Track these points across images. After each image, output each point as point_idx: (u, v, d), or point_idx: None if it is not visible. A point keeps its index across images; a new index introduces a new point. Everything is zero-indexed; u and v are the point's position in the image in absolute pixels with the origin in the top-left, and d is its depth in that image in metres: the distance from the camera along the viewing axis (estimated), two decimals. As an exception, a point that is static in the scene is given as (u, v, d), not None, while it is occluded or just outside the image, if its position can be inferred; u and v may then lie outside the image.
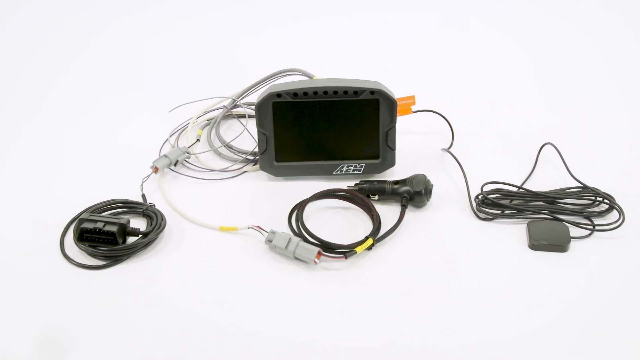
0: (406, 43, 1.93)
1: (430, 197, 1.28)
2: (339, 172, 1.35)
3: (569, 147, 1.39)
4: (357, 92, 1.27)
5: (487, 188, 1.27)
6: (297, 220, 1.22)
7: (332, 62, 1.82)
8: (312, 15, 2.07)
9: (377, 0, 2.11)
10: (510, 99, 1.65)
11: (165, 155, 1.37)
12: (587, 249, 1.17)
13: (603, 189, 1.26)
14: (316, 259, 1.14)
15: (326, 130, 1.31)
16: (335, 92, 1.27)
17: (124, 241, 1.18)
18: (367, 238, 1.17)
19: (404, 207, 1.25)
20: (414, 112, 1.39)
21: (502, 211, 1.25)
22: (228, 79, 1.70)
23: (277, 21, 2.05)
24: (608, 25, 1.96)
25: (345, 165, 1.34)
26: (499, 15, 2.02)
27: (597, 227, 1.20)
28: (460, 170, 1.33)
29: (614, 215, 1.23)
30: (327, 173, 1.35)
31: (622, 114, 1.59)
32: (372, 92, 1.27)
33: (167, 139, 1.48)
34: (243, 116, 1.56)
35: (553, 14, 2.01)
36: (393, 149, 1.33)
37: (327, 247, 1.16)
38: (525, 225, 1.21)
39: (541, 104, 1.63)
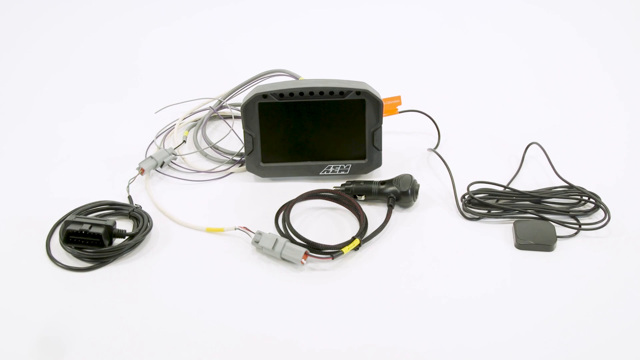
0: (394, 43, 1.93)
1: (416, 197, 1.28)
2: (325, 173, 1.35)
3: (555, 146, 1.39)
4: (342, 92, 1.27)
5: (473, 188, 1.28)
6: (283, 221, 1.22)
7: (320, 62, 1.82)
8: (298, 16, 2.06)
9: (364, 0, 2.11)
10: (496, 98, 1.66)
11: (151, 157, 1.36)
12: (573, 248, 1.18)
13: (589, 188, 1.26)
14: (303, 260, 1.14)
15: (312, 130, 1.31)
16: (321, 93, 1.27)
17: (111, 243, 1.18)
18: (353, 238, 1.17)
19: (390, 208, 1.25)
20: (400, 112, 1.39)
21: (489, 211, 1.25)
22: (215, 80, 1.70)
23: (264, 21, 2.04)
24: (600, 24, 1.96)
25: (332, 165, 1.34)
26: (488, 15, 2.02)
27: (583, 226, 1.20)
28: (446, 170, 1.34)
29: (599, 214, 1.23)
30: (313, 174, 1.35)
31: (611, 113, 1.60)
32: (358, 92, 1.27)
33: (153, 141, 1.48)
34: (229, 117, 1.56)
35: (545, 14, 2.01)
36: (379, 149, 1.33)
37: (314, 248, 1.16)
38: (512, 225, 1.22)
39: (528, 103, 1.63)
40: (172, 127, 1.51)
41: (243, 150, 1.36)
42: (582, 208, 1.25)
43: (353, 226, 1.24)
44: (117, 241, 1.19)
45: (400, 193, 1.26)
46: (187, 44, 1.93)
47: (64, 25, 2.00)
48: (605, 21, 1.96)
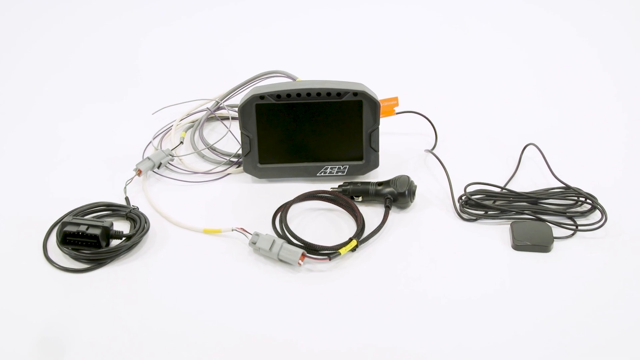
0: (393, 43, 1.92)
1: (413, 198, 1.28)
2: (322, 174, 1.35)
3: (553, 147, 1.39)
4: (340, 93, 1.27)
5: (470, 189, 1.28)
6: (281, 222, 1.22)
7: (319, 62, 1.82)
8: (298, 16, 2.06)
9: (361, 1, 2.11)
10: (494, 99, 1.65)
11: (148, 158, 1.37)
12: (570, 249, 1.18)
13: (586, 189, 1.26)
14: (300, 261, 1.14)
15: (310, 132, 1.32)
16: (318, 94, 1.27)
17: (108, 244, 1.18)
18: (351, 239, 1.17)
19: (387, 209, 1.25)
20: (397, 113, 1.39)
21: (486, 212, 1.25)
22: (214, 80, 1.69)
23: (264, 21, 2.04)
24: (600, 24, 1.96)
25: (329, 166, 1.34)
26: (488, 15, 2.02)
27: (579, 227, 1.20)
28: (443, 171, 1.34)
29: (596, 215, 1.23)
30: (310, 175, 1.35)
31: (609, 113, 1.59)
32: (355, 93, 1.27)
33: (150, 142, 1.48)
34: (226, 118, 1.56)
35: (545, 14, 2.01)
36: (376, 150, 1.33)
37: (311, 249, 1.16)
38: (509, 226, 1.22)
39: (526, 104, 1.63)
40: (170, 128, 1.51)
41: (240, 152, 1.36)
42: (579, 209, 1.25)
43: (350, 227, 1.24)
44: (114, 242, 1.19)
45: (398, 194, 1.26)
46: (187, 44, 1.93)
47: (64, 25, 2.00)
48: (605, 21, 1.96)
